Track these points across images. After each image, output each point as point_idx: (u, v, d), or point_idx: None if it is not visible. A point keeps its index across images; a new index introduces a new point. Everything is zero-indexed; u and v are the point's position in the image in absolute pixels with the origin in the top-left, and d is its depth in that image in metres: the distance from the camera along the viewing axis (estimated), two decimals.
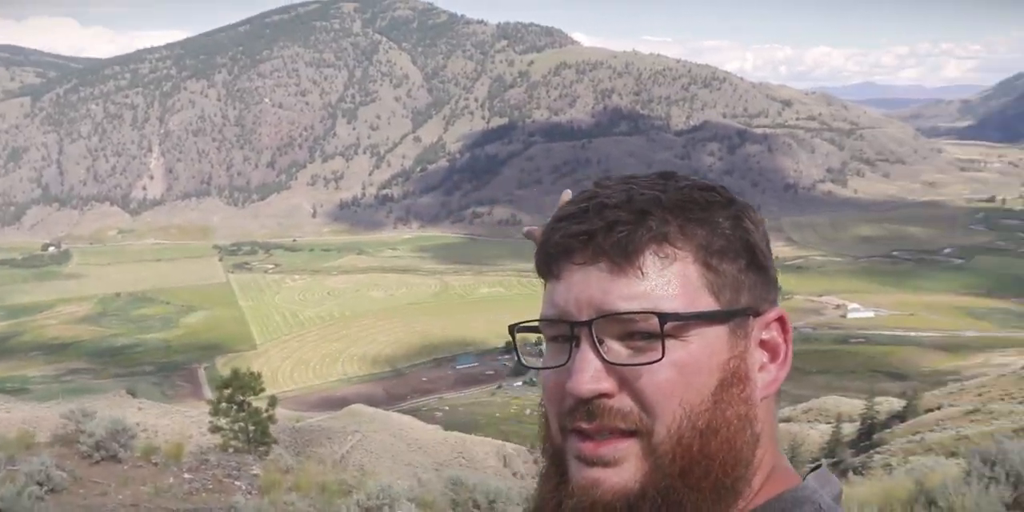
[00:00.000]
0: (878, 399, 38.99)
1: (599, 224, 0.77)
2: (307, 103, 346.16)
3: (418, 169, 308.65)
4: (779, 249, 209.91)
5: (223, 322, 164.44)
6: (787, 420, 45.46)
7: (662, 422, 0.75)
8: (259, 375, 18.04)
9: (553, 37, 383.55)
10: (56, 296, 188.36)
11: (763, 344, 0.81)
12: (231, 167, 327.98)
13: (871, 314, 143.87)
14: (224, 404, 16.15)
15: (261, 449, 15.48)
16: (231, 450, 14.71)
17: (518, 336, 0.89)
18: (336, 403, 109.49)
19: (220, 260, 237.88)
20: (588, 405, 0.75)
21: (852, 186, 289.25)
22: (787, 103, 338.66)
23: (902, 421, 31.96)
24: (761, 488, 0.79)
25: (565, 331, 0.78)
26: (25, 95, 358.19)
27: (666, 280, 0.76)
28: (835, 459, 27.23)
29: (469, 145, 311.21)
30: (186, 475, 10.32)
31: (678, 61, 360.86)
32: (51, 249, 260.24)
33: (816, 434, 36.95)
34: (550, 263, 0.81)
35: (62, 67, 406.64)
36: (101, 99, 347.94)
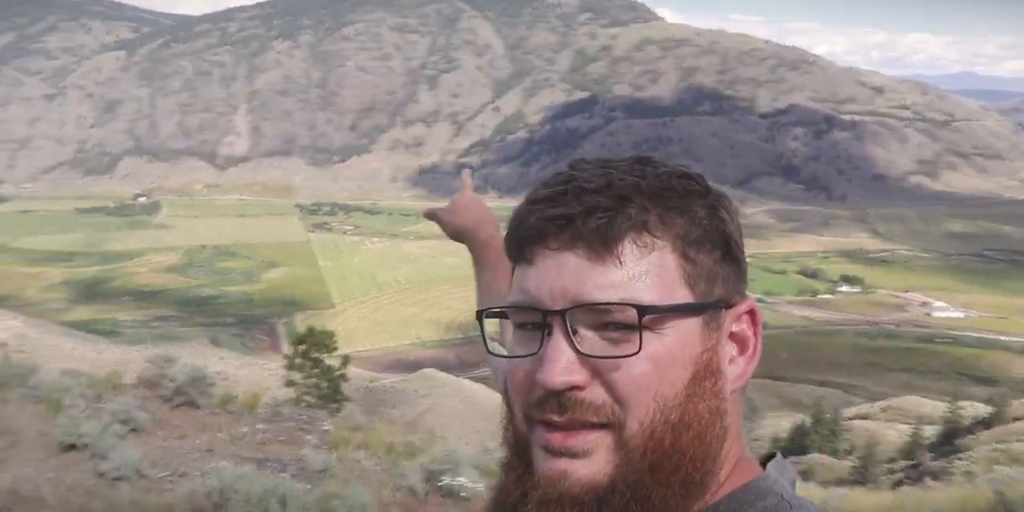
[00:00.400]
0: (962, 403, 37.41)
1: (577, 209, 0.74)
2: (389, 68, 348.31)
3: (497, 139, 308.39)
4: (863, 241, 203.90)
5: (302, 280, 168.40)
6: (864, 418, 44.32)
7: (635, 416, 0.73)
8: (333, 334, 18.48)
9: (637, 12, 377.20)
10: (145, 245, 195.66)
11: (733, 337, 0.80)
12: (314, 128, 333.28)
13: (960, 314, 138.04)
14: (299, 360, 16.60)
15: (333, 406, 15.88)
16: (304, 405, 15.13)
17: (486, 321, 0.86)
18: (409, 366, 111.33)
19: (300, 219, 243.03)
20: (559, 397, 0.73)
21: (944, 180, 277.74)
22: (878, 90, 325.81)
23: (987, 428, 30.65)
24: (726, 480, 0.78)
25: (536, 319, 0.76)
26: (121, 49, 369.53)
27: (644, 270, 0.74)
28: (914, 462, 26.50)
29: (549, 117, 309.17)
30: (259, 425, 10.64)
31: (765, 42, 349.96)
32: (141, 199, 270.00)
33: (894, 434, 35.96)
34: (523, 246, 0.78)
35: (155, 23, 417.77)
36: (191, 56, 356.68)
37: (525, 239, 0.77)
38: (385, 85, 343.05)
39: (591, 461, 0.73)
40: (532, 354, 0.75)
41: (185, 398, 11.54)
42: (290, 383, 15.78)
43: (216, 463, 7.12)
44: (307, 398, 15.78)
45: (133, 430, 9.25)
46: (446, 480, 7.52)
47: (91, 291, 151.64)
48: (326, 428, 11.82)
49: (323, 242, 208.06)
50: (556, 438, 0.74)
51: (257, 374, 47.32)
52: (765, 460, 0.85)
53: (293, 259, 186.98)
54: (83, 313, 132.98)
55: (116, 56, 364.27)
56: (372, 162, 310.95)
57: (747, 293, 0.83)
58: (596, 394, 0.73)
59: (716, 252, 0.78)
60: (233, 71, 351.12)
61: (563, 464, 0.73)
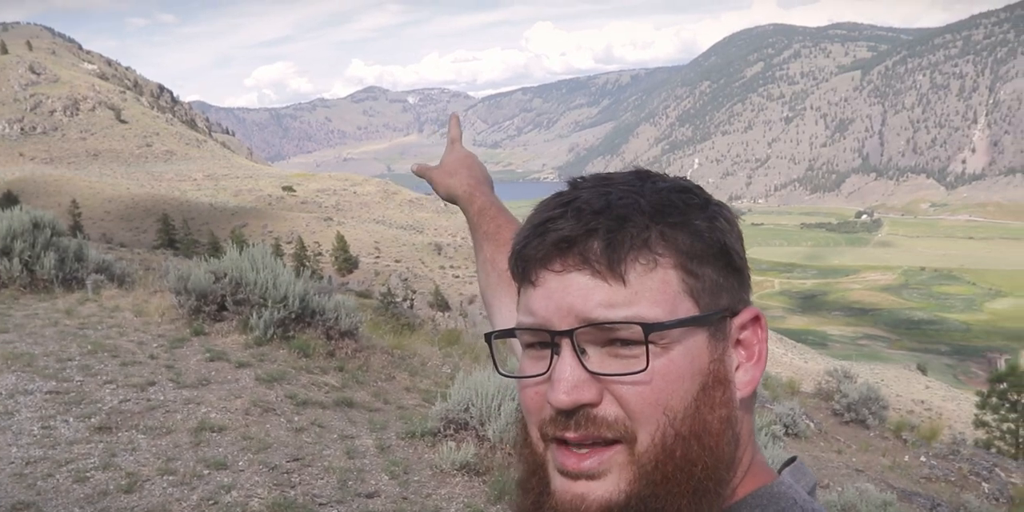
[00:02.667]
0: None
1: (579, 231, 0.75)
2: None
3: None
4: None
5: None
6: None
7: (646, 430, 0.74)
8: None
9: None
10: (863, 262, 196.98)
11: (739, 344, 0.81)
12: None
13: None
14: (994, 399, 14.80)
15: None
16: (994, 450, 13.51)
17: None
18: None
19: None
20: (571, 415, 0.74)
21: None
22: None
23: None
24: (739, 486, 0.79)
25: (545, 339, 0.77)
26: (856, 69, 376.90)
27: (648, 287, 0.75)
28: None
29: None
30: (929, 459, 9.89)
31: None
32: (864, 217, 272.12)
33: None
34: (527, 269, 0.79)
35: (893, 39, 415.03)
36: (928, 69, 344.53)
37: (529, 261, 0.79)
38: None
39: (606, 481, 0.74)
40: (542, 374, 0.77)
41: (855, 416, 11.41)
42: (980, 423, 14.20)
43: (862, 484, 6.89)
44: (999, 443, 13.99)
45: (792, 435, 9.52)
46: None
47: (807, 302, 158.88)
48: (1012, 480, 10.39)
49: None
50: (571, 461, 0.75)
51: (961, 409, 43.74)
52: (785, 466, 0.86)
53: None
54: (797, 322, 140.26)
55: (851, 76, 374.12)
56: None
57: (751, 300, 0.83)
58: (608, 410, 0.74)
59: (718, 263, 0.79)
60: (974, 82, 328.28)
61: (580, 487, 0.75)
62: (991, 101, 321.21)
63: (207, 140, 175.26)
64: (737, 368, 0.80)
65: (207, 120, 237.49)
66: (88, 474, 4.05)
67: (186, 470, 4.19)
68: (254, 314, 6.65)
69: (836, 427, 10.93)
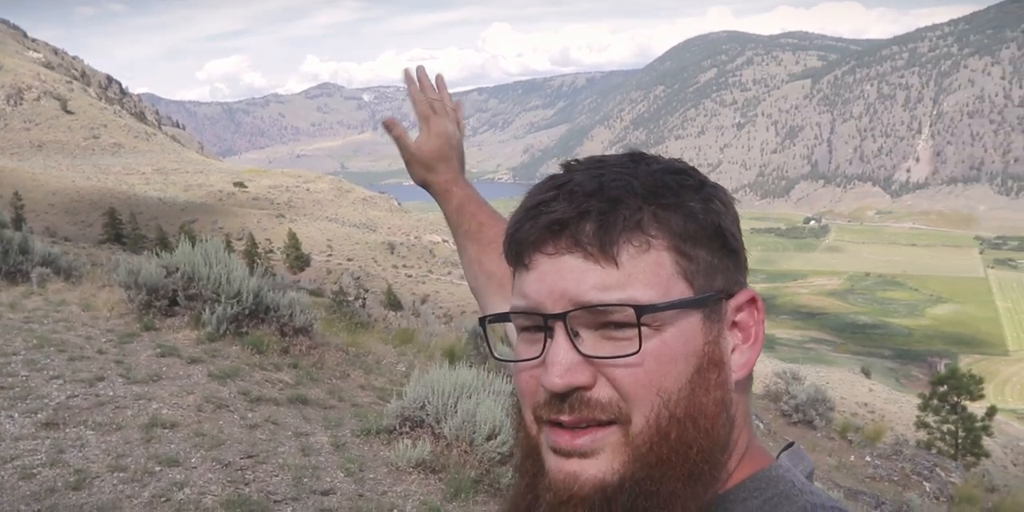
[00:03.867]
0: None
1: (571, 213, 0.75)
2: None
3: None
4: None
5: (973, 320, 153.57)
6: None
7: (640, 412, 0.73)
8: (981, 379, 16.42)
9: None
10: (811, 267, 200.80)
11: (735, 326, 0.80)
12: (1008, 153, 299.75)
13: None
14: (935, 401, 15.22)
15: (969, 459, 14.21)
16: (934, 451, 13.90)
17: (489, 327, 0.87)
18: None
19: (980, 253, 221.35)
20: (565, 398, 0.74)
21: None
22: None
23: None
24: (736, 470, 0.79)
25: (538, 322, 0.76)
26: (806, 77, 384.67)
27: (641, 269, 0.74)
28: None
29: None
30: (872, 459, 10.13)
31: None
32: (812, 223, 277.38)
33: None
34: (520, 252, 0.79)
35: (843, 50, 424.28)
36: (875, 80, 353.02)
37: (522, 245, 0.78)
38: None
39: (599, 460, 0.74)
40: (536, 357, 0.76)
41: (803, 417, 11.62)
42: (922, 424, 14.59)
43: None
44: (940, 444, 14.39)
45: None
46: None
47: None
48: (951, 480, 10.69)
49: (1004, 280, 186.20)
50: (564, 439, 0.74)
51: (902, 411, 44.83)
52: (783, 451, 0.85)
53: (965, 295, 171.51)
54: None
55: (802, 84, 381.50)
56: None
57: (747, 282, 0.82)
58: (601, 393, 0.73)
59: (713, 245, 0.78)
60: (919, 93, 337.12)
61: (573, 465, 0.74)
62: (935, 112, 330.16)
63: (156, 133, 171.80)
64: (733, 350, 0.79)
65: (157, 113, 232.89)
66: (35, 471, 3.94)
67: (137, 467, 4.11)
68: (207, 309, 6.55)
69: (784, 427, 11.13)
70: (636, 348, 0.72)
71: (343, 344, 7.67)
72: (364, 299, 47.72)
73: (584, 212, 0.74)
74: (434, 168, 1.39)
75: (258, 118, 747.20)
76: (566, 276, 0.74)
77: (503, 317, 0.83)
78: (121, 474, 4.01)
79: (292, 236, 76.08)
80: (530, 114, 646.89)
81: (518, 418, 0.82)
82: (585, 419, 0.73)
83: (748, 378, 0.81)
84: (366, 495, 4.37)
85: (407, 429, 5.32)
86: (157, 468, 4.14)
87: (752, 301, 0.81)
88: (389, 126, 1.43)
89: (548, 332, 0.75)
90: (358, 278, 70.97)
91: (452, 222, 1.37)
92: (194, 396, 5.19)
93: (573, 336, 0.74)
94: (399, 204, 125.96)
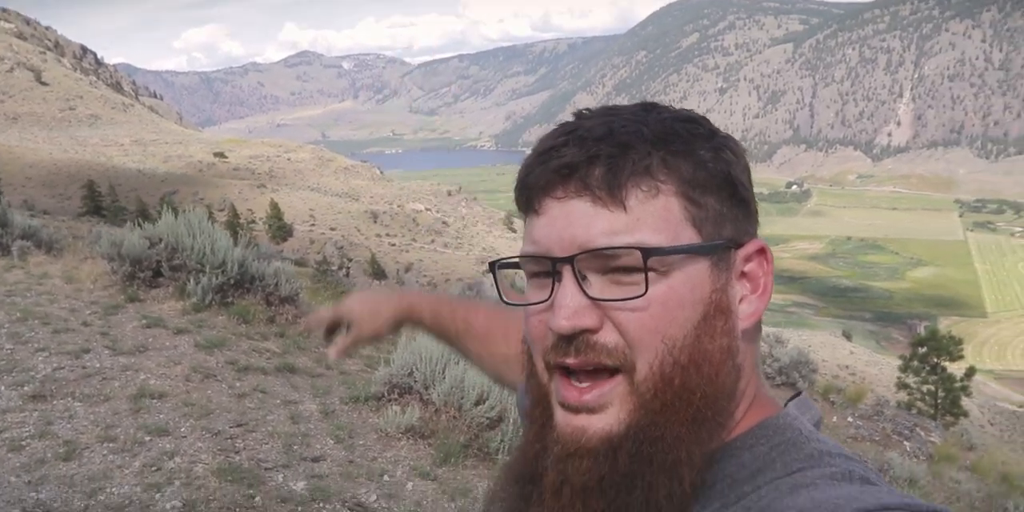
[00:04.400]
0: None
1: (581, 157, 0.75)
2: None
3: None
4: None
5: (952, 282, 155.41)
6: None
7: (644, 358, 0.74)
8: (960, 341, 16.66)
9: None
10: (793, 231, 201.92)
11: (744, 276, 0.80)
12: (988, 116, 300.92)
13: None
14: (915, 362, 15.45)
15: (948, 418, 14.49)
16: (915, 411, 14.15)
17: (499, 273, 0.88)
18: None
19: (960, 216, 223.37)
20: (572, 341, 0.75)
21: None
22: None
23: None
24: (743, 418, 0.79)
25: (547, 267, 0.77)
26: (788, 41, 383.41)
27: (649, 214, 0.74)
28: None
29: None
30: (854, 419, 10.30)
31: None
32: (794, 187, 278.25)
33: None
34: (530, 197, 0.79)
35: (824, 13, 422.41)
36: (857, 43, 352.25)
37: (532, 190, 0.79)
38: None
39: (607, 414, 0.75)
40: (544, 301, 0.77)
41: (786, 379, 11.78)
42: (902, 385, 14.82)
43: None
44: (920, 404, 14.63)
45: None
46: None
47: None
48: (931, 439, 10.89)
49: (982, 243, 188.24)
50: (572, 395, 0.76)
51: (883, 373, 45.47)
52: (791, 400, 0.86)
53: (944, 258, 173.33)
54: None
55: (784, 48, 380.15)
56: None
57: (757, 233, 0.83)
58: (607, 337, 0.74)
59: (722, 193, 0.78)
60: (900, 57, 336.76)
61: (581, 420, 0.75)
62: (916, 76, 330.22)
63: (134, 104, 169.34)
64: (741, 300, 0.79)
65: (134, 83, 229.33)
66: (23, 443, 3.95)
67: (127, 437, 4.12)
68: (191, 280, 6.53)
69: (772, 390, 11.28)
70: (643, 291, 0.73)
71: None
72: (348, 268, 47.60)
73: (593, 156, 0.75)
74: (376, 312, 1.40)
75: (237, 87, 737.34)
76: (574, 221, 0.75)
77: (512, 263, 0.83)
78: (111, 444, 4.02)
79: (274, 206, 75.57)
80: (512, 81, 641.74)
81: (530, 365, 0.83)
82: (591, 362, 0.74)
83: (756, 328, 0.81)
84: (356, 461, 4.41)
85: (395, 396, 5.35)
86: (147, 438, 4.15)
87: (761, 251, 0.81)
88: (344, 350, 1.44)
89: (556, 276, 0.76)
90: (341, 247, 70.74)
91: (439, 334, 1.38)
92: (181, 366, 5.19)
93: (581, 280, 0.75)
94: (381, 173, 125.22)
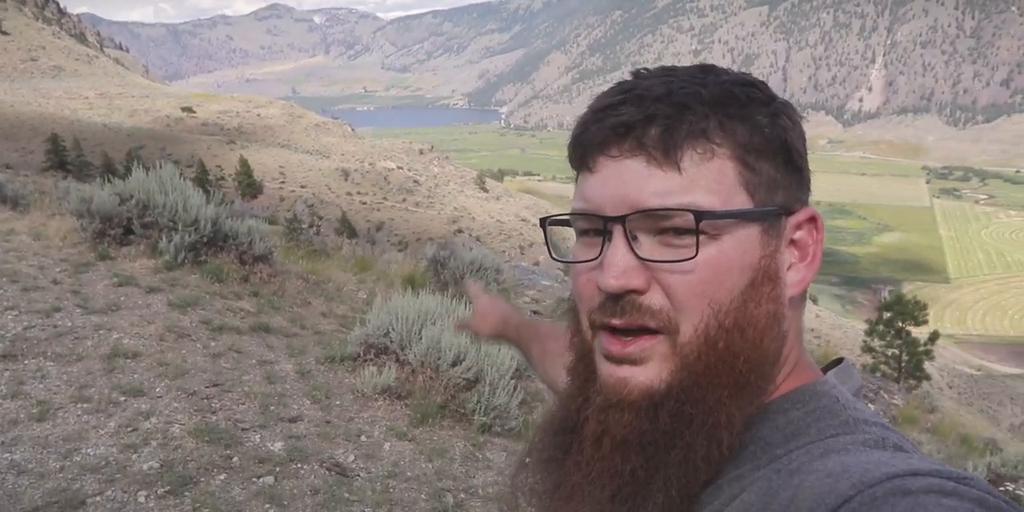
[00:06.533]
0: None
1: (638, 117, 0.75)
2: None
3: None
4: None
5: (917, 248, 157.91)
6: None
7: (689, 321, 0.74)
8: (925, 305, 16.97)
9: None
10: None
11: (793, 244, 0.80)
12: (957, 84, 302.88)
13: None
14: (880, 327, 15.72)
15: (911, 382, 14.83)
16: (879, 374, 14.45)
17: (550, 229, 0.88)
18: None
19: (927, 182, 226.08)
20: (619, 301, 0.75)
21: None
22: None
23: None
24: (782, 383, 0.79)
25: (597, 225, 0.77)
26: (763, 4, 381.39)
27: (703, 176, 0.74)
28: None
29: None
30: None
31: None
32: None
33: None
34: (584, 154, 0.79)
35: None
36: (832, 7, 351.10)
37: (587, 147, 0.79)
38: None
39: (648, 367, 0.75)
40: (593, 259, 0.77)
41: None
42: (867, 349, 15.09)
43: None
44: (884, 368, 14.93)
45: None
46: (1011, 487, 6.52)
47: None
48: (895, 402, 11.14)
49: (948, 209, 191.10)
50: (616, 347, 0.76)
51: (848, 336, 46.29)
52: (831, 367, 0.87)
53: (910, 224, 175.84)
54: None
55: (759, 11, 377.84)
56: (1023, 123, 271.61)
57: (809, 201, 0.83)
58: (654, 299, 0.74)
59: (777, 160, 0.78)
60: (874, 22, 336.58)
61: (624, 371, 0.76)
62: (888, 42, 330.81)
63: (99, 56, 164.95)
64: (789, 268, 0.79)
65: (98, 34, 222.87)
66: None
67: (101, 397, 4.08)
68: (163, 238, 6.43)
69: None
70: (693, 254, 0.73)
71: (303, 272, 7.62)
72: (318, 227, 47.22)
73: (650, 116, 0.75)
74: (487, 315, 1.55)
75: (205, 40, 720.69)
76: (628, 180, 0.74)
77: (563, 220, 0.83)
78: (85, 405, 3.98)
79: (243, 163, 74.54)
80: (485, 38, 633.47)
81: (575, 323, 0.83)
82: (636, 323, 0.75)
83: (802, 296, 0.82)
84: (333, 422, 4.41)
85: (372, 356, 5.34)
86: (122, 398, 4.12)
87: (812, 220, 0.81)
88: (459, 329, 1.64)
89: (607, 235, 0.76)
90: (312, 205, 70.13)
91: (519, 345, 1.47)
92: (155, 326, 5.13)
93: (631, 240, 0.75)
94: (352, 130, 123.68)
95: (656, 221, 0.74)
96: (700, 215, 0.72)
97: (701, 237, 0.73)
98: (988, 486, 0.63)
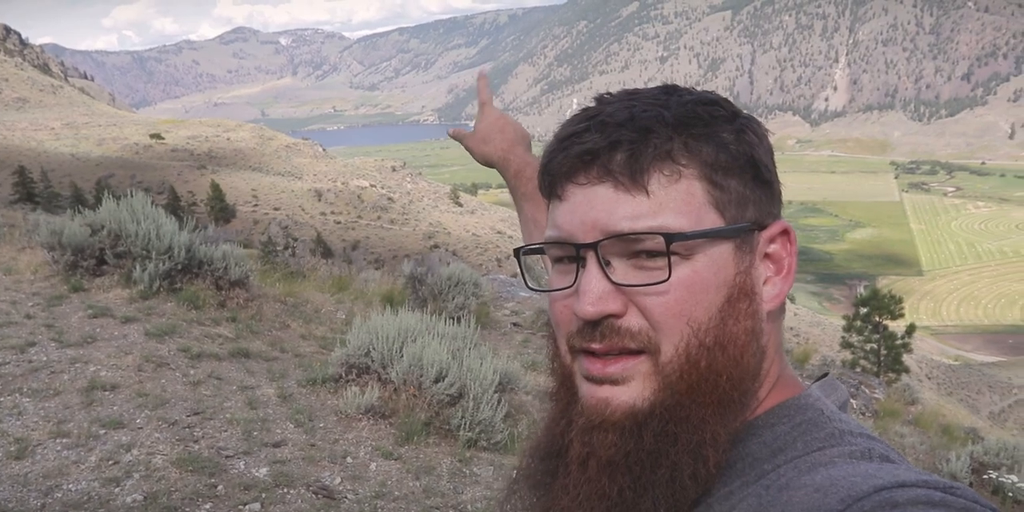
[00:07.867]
0: None
1: (602, 143, 0.76)
2: (1020, 6, 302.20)
3: None
4: None
5: (890, 242, 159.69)
6: None
7: (669, 341, 0.74)
8: (900, 299, 17.16)
9: None
10: None
11: (768, 257, 0.81)
12: (920, 79, 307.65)
13: None
14: (858, 322, 15.86)
15: (890, 375, 14.96)
16: (859, 369, 14.57)
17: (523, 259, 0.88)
18: (1007, 350, 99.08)
19: (896, 178, 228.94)
20: (597, 326, 0.76)
21: None
22: None
23: None
24: (766, 398, 0.80)
25: (571, 252, 0.78)
26: (727, 9, 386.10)
27: (672, 198, 0.75)
28: None
29: None
30: (801, 380, 10.54)
31: None
32: None
33: None
34: (553, 183, 0.80)
35: None
36: (794, 10, 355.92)
37: (555, 176, 0.79)
38: (1012, 27, 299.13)
39: (631, 387, 0.75)
40: (568, 287, 0.78)
41: None
42: (846, 344, 15.22)
43: None
44: (863, 362, 15.06)
45: None
46: (993, 475, 6.59)
47: None
48: (876, 396, 11.23)
49: (917, 203, 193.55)
50: (596, 367, 0.76)
51: (827, 333, 46.70)
52: (817, 381, 0.88)
53: (882, 220, 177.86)
54: None
55: (722, 16, 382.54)
56: (987, 116, 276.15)
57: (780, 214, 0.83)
58: (632, 321, 0.75)
59: (745, 176, 0.78)
60: (835, 23, 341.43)
61: (605, 391, 0.76)
62: (851, 41, 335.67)
63: (64, 86, 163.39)
64: (765, 282, 0.80)
65: (62, 64, 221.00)
66: None
67: (80, 431, 4.03)
68: (137, 267, 6.37)
69: None
70: (666, 276, 0.73)
71: (280, 295, 7.58)
72: (294, 248, 46.99)
73: (615, 142, 0.75)
74: (489, 140, 1.41)
75: (171, 66, 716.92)
76: (597, 206, 0.75)
77: (536, 249, 0.84)
78: (64, 440, 3.93)
79: (215, 188, 74.04)
80: (453, 53, 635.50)
81: (554, 348, 0.84)
82: (616, 347, 0.75)
83: (780, 309, 0.82)
84: (318, 444, 4.39)
85: (353, 376, 5.32)
86: (102, 431, 4.07)
87: (785, 232, 0.81)
88: (453, 137, 1.52)
89: (580, 262, 0.77)
90: (286, 227, 69.79)
91: (511, 186, 1.39)
92: (132, 356, 5.09)
93: (605, 265, 0.75)
94: (324, 150, 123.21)
95: (628, 245, 0.74)
96: (670, 237, 0.73)
97: (673, 258, 0.73)
98: (975, 494, 0.63)
